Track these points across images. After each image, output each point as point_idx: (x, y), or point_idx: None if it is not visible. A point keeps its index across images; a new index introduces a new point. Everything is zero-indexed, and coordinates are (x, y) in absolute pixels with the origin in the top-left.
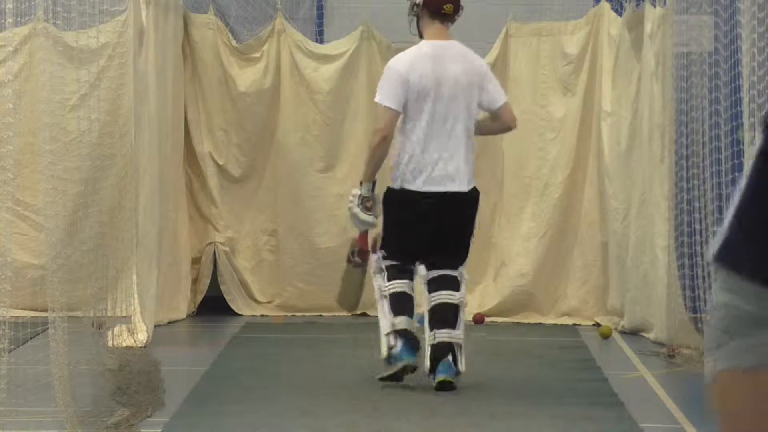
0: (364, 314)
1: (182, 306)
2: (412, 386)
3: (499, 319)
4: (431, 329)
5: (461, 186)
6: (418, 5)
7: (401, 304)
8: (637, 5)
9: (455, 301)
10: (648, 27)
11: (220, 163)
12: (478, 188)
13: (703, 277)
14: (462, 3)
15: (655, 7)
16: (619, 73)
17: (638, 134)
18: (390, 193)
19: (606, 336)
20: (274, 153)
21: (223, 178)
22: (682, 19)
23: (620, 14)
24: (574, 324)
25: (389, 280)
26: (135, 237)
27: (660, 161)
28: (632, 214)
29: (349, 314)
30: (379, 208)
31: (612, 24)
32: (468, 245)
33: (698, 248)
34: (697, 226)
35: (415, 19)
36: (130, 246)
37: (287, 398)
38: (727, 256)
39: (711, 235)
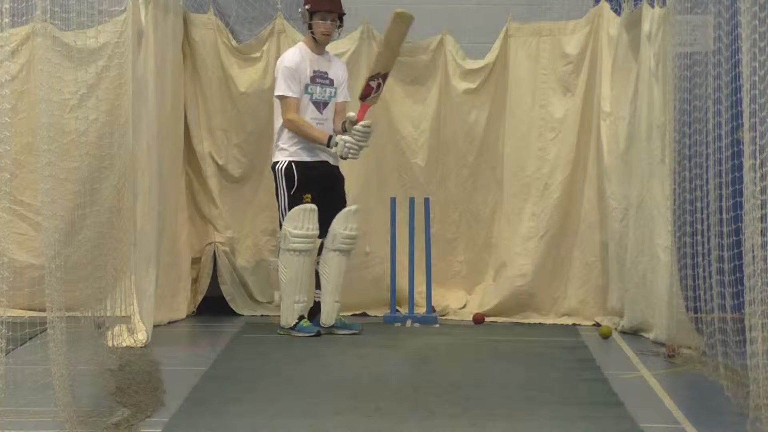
0: (363, 314)
1: (182, 306)
2: (412, 386)
3: (499, 319)
4: None
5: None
6: None
7: None
8: (635, 5)
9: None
10: (646, 27)
11: (220, 163)
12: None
13: (704, 278)
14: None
15: (653, 7)
16: (617, 73)
17: (636, 134)
18: None
19: (606, 336)
20: None
21: (223, 178)
22: (685, 18)
23: (620, 14)
24: (574, 324)
25: None
26: (133, 237)
27: (660, 161)
28: (631, 215)
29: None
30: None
31: (611, 24)
32: (279, 213)
33: (699, 248)
34: (699, 226)
35: None
36: (128, 246)
37: (287, 398)
38: None
39: (713, 235)
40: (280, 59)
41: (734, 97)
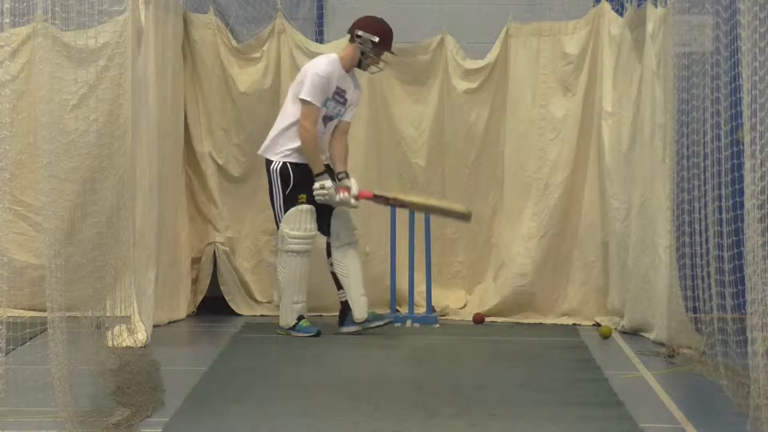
0: None
1: (182, 306)
2: (412, 386)
3: (499, 319)
4: None
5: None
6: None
7: None
8: (639, 5)
9: None
10: (650, 27)
11: (220, 163)
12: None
13: (703, 277)
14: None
15: (656, 7)
16: (620, 73)
17: (639, 134)
18: None
19: (606, 336)
20: None
21: (223, 178)
22: (684, 19)
23: (621, 14)
24: (574, 324)
25: None
26: (132, 237)
27: (661, 161)
28: (633, 215)
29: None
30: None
31: (613, 24)
32: (274, 214)
33: (698, 248)
34: (697, 227)
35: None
36: (128, 246)
37: (287, 398)
38: None
39: (711, 235)
40: (312, 65)
41: (733, 97)
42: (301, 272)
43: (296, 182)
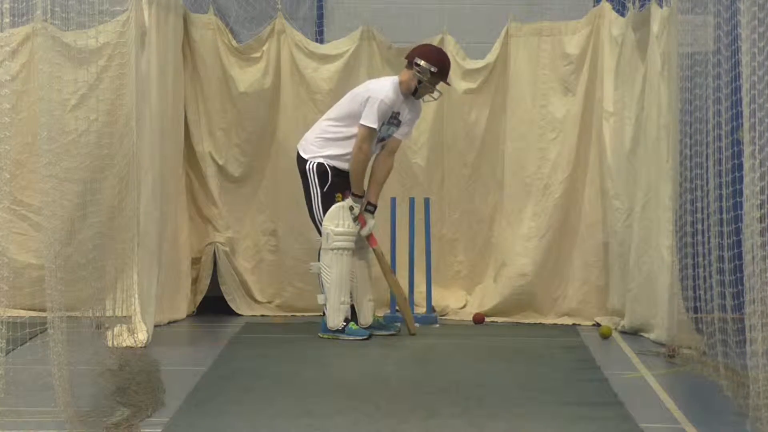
0: None
1: (182, 306)
2: (412, 386)
3: (499, 319)
4: None
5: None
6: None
7: None
8: (642, 6)
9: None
10: (655, 27)
11: (220, 163)
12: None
13: (704, 278)
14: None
15: (661, 7)
16: (622, 73)
17: (642, 135)
18: None
19: (606, 336)
20: (274, 153)
21: (223, 178)
22: (687, 18)
23: (621, 14)
24: (574, 324)
25: None
26: (136, 237)
27: (665, 161)
28: (635, 215)
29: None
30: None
31: (613, 24)
32: (312, 213)
33: (700, 248)
34: (699, 226)
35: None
36: (130, 246)
37: (287, 398)
38: None
39: (713, 235)
40: (379, 90)
41: (734, 97)
42: (346, 271)
43: (333, 180)
